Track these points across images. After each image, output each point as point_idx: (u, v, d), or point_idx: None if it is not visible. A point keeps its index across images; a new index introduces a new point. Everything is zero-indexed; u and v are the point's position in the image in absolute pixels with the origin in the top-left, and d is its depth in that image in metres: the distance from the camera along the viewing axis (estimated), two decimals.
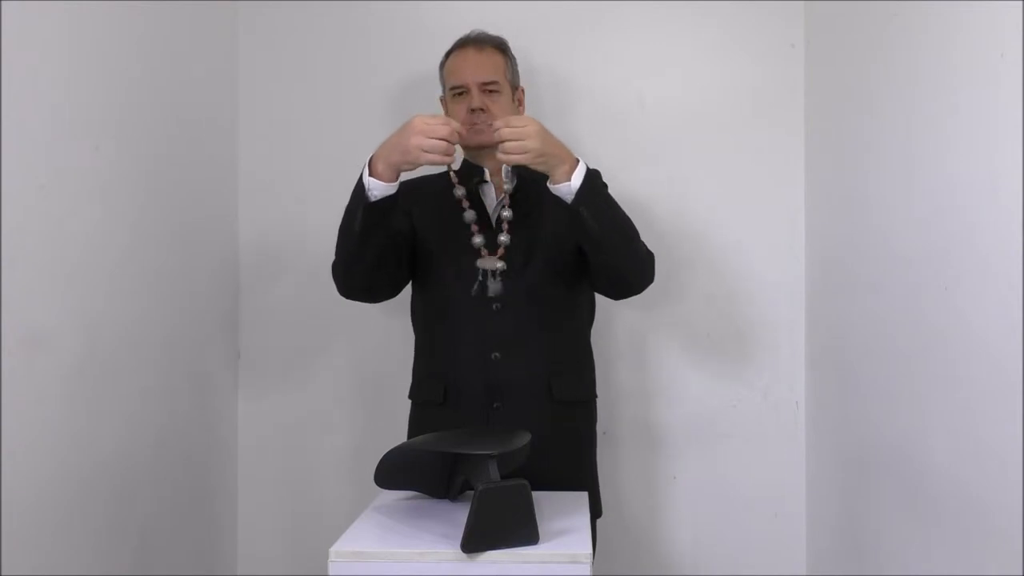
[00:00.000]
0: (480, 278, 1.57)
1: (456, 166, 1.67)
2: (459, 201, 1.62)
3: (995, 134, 1.31)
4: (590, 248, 1.58)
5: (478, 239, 1.57)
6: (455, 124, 1.49)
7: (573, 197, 1.51)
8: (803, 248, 2.15)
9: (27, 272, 1.39)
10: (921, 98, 1.56)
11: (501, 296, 1.61)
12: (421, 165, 1.49)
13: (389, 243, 1.61)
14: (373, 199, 1.50)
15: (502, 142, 1.48)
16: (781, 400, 2.16)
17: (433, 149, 1.45)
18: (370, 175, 1.50)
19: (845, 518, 1.93)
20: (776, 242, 2.16)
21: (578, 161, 1.52)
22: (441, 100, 1.82)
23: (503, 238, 1.57)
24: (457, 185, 1.59)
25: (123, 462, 1.67)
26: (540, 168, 1.50)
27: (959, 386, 1.42)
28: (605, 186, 1.78)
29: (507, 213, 1.57)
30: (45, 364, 1.44)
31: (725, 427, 2.16)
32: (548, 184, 1.53)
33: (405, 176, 1.81)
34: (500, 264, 1.59)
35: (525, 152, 1.47)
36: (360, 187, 1.52)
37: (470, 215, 1.62)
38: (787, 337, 2.16)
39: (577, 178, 1.50)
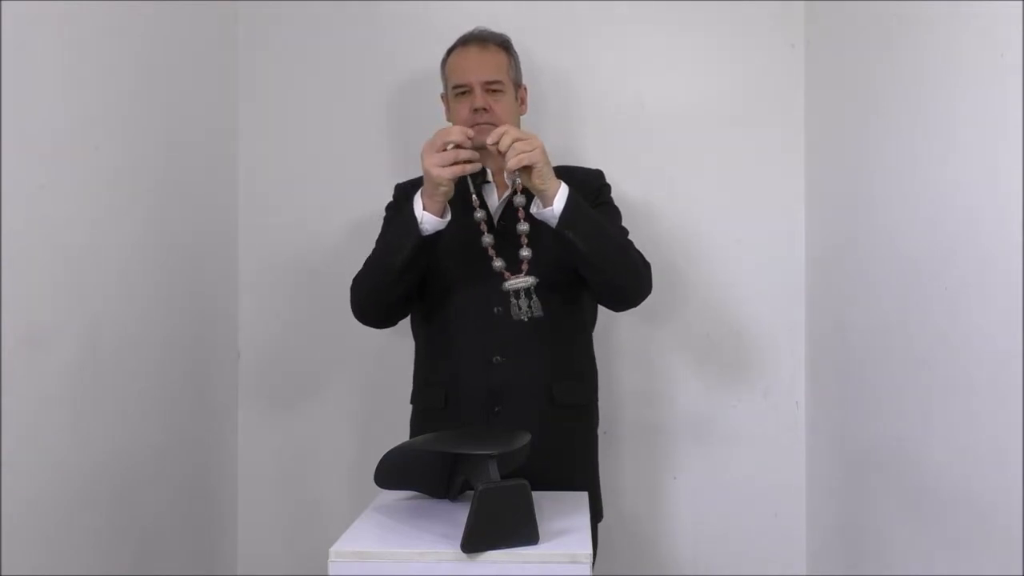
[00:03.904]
0: (514, 299, 1.50)
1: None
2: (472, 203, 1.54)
3: (996, 134, 1.30)
4: (583, 268, 1.58)
5: (487, 239, 1.53)
6: (456, 128, 1.50)
7: (557, 221, 1.51)
8: (803, 248, 2.15)
9: (27, 272, 1.39)
10: (921, 98, 1.55)
11: (536, 312, 1.51)
12: (449, 179, 1.47)
13: (420, 276, 1.62)
14: (425, 233, 1.52)
15: (510, 147, 1.46)
16: (781, 400, 2.16)
17: (445, 161, 1.46)
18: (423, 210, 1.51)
19: (845, 518, 1.93)
20: (776, 242, 2.16)
21: (561, 184, 1.52)
22: (442, 98, 1.81)
23: (525, 252, 1.51)
24: (478, 209, 1.53)
25: (123, 462, 1.67)
26: (542, 175, 1.49)
27: (959, 386, 1.42)
28: (608, 187, 1.78)
29: (524, 227, 1.51)
30: (45, 364, 1.44)
31: (725, 427, 2.16)
32: (532, 210, 1.53)
33: (402, 179, 1.82)
34: (531, 280, 1.50)
35: (535, 148, 1.47)
36: (410, 223, 1.52)
37: (480, 214, 1.54)
38: (787, 337, 2.16)
39: (559, 202, 1.50)
